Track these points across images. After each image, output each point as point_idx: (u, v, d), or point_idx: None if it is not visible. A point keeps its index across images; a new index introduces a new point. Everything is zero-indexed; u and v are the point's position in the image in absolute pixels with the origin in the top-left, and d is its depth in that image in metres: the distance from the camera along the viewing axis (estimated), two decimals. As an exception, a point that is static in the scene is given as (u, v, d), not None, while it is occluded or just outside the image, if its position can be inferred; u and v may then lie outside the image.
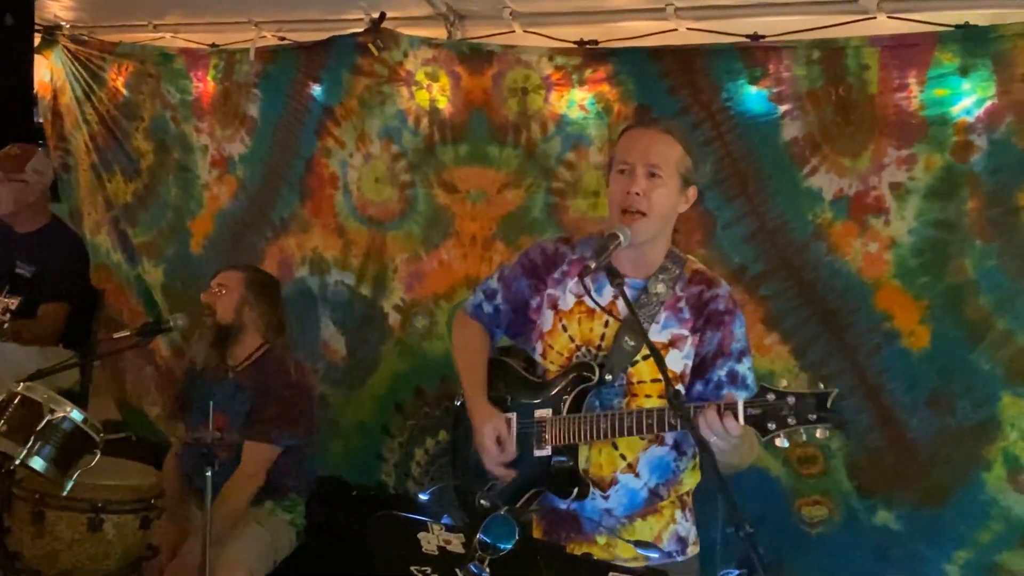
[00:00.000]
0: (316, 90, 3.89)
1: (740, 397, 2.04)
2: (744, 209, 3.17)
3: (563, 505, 2.25)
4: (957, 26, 2.86)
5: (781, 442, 1.95)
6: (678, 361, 2.22)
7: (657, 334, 2.21)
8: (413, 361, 3.80)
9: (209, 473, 2.78)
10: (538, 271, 2.37)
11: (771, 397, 1.93)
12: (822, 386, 1.92)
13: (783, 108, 3.08)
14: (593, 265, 2.09)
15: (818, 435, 1.92)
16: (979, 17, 2.86)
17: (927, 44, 2.89)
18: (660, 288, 2.22)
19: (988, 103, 2.84)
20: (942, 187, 2.92)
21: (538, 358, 2.34)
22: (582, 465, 2.24)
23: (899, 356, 2.95)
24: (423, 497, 3.50)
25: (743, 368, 2.24)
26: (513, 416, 2.32)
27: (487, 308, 2.47)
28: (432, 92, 3.66)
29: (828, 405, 1.89)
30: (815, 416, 1.90)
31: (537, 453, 2.26)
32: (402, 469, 3.88)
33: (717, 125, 3.19)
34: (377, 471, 3.92)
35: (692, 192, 2.26)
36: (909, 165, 2.96)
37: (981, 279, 2.86)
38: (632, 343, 2.18)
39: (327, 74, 3.86)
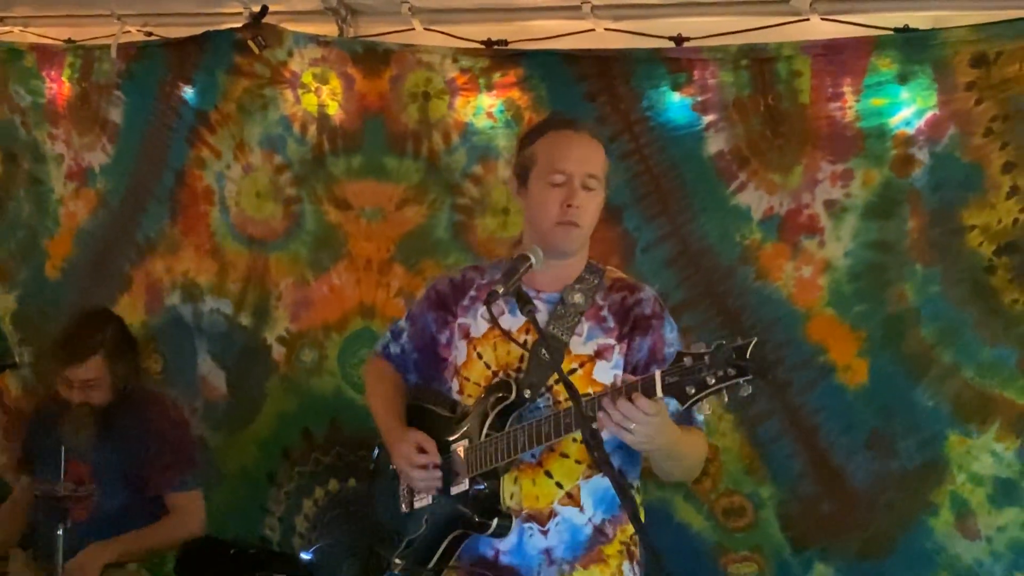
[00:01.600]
0: (188, 93, 3.75)
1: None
2: (666, 230, 3.11)
3: (490, 551, 2.23)
4: (896, 29, 2.82)
5: (704, 409, 1.94)
6: (607, 372, 2.22)
7: (581, 346, 2.22)
8: (300, 400, 3.68)
9: (60, 531, 2.73)
10: (445, 302, 2.39)
11: (688, 361, 1.90)
12: (739, 340, 1.87)
13: (708, 119, 3.04)
14: (501, 290, 2.09)
15: (741, 393, 1.85)
16: (920, 20, 2.81)
17: (863, 49, 2.84)
18: (577, 298, 2.24)
19: (929, 113, 2.80)
20: (881, 205, 2.88)
21: (456, 396, 2.34)
22: (510, 499, 2.22)
23: (835, 393, 2.90)
24: (305, 556, 3.31)
25: None
26: None
27: (394, 349, 2.50)
28: (321, 96, 3.55)
29: (747, 355, 1.83)
30: (734, 369, 1.84)
31: (454, 490, 2.26)
32: (288, 523, 3.74)
33: (636, 137, 3.13)
34: (260, 525, 3.77)
35: (601, 199, 2.29)
36: (845, 181, 2.91)
37: (923, 307, 2.83)
38: (549, 356, 2.18)
39: (200, 75, 3.72)
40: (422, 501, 2.36)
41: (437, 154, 3.42)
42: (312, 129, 3.58)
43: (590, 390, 2.15)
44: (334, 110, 3.55)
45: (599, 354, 2.22)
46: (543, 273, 2.23)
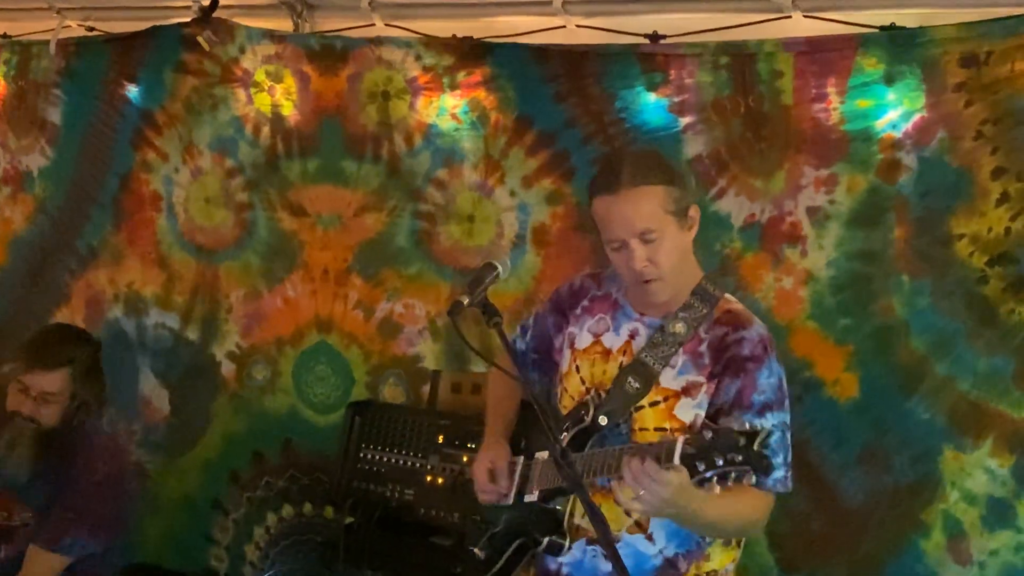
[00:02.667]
0: (132, 91, 3.72)
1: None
2: None
3: (554, 564, 2.27)
4: (882, 27, 2.80)
5: (715, 488, 1.92)
6: (688, 410, 2.19)
7: (671, 380, 2.20)
8: (251, 420, 3.63)
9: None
10: (563, 307, 2.42)
11: (707, 435, 1.91)
12: (752, 426, 1.91)
13: (685, 120, 3.02)
14: (466, 301, 2.08)
15: (745, 481, 1.89)
16: (907, 18, 2.80)
17: (848, 48, 2.82)
18: (679, 328, 2.21)
19: (917, 116, 2.78)
20: (866, 212, 2.85)
21: (557, 403, 2.36)
22: (581, 518, 2.23)
23: (824, 407, 2.87)
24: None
25: (766, 425, 2.09)
26: (519, 460, 2.37)
27: (520, 346, 2.51)
28: (275, 95, 3.54)
29: (755, 446, 1.86)
30: (740, 457, 1.86)
31: (528, 498, 2.30)
32: (236, 552, 3.66)
33: (610, 140, 3.10)
34: (205, 555, 3.70)
35: (694, 211, 2.24)
36: (829, 187, 2.89)
37: (912, 320, 2.80)
38: (637, 386, 2.19)
39: (146, 72, 3.68)
40: (506, 500, 2.35)
41: (398, 157, 3.38)
42: (265, 130, 3.55)
43: (667, 425, 2.17)
44: (289, 110, 3.51)
45: (686, 391, 2.19)
46: (646, 296, 2.23)
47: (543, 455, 2.29)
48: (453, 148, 3.30)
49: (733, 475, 1.87)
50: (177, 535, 3.72)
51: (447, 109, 3.30)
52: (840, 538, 2.88)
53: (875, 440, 2.84)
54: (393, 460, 3.09)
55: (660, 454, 1.94)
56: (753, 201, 2.96)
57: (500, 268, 2.13)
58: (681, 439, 1.93)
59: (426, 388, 3.33)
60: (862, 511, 2.85)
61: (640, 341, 2.23)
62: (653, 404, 2.19)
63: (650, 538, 2.21)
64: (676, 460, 1.91)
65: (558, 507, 2.24)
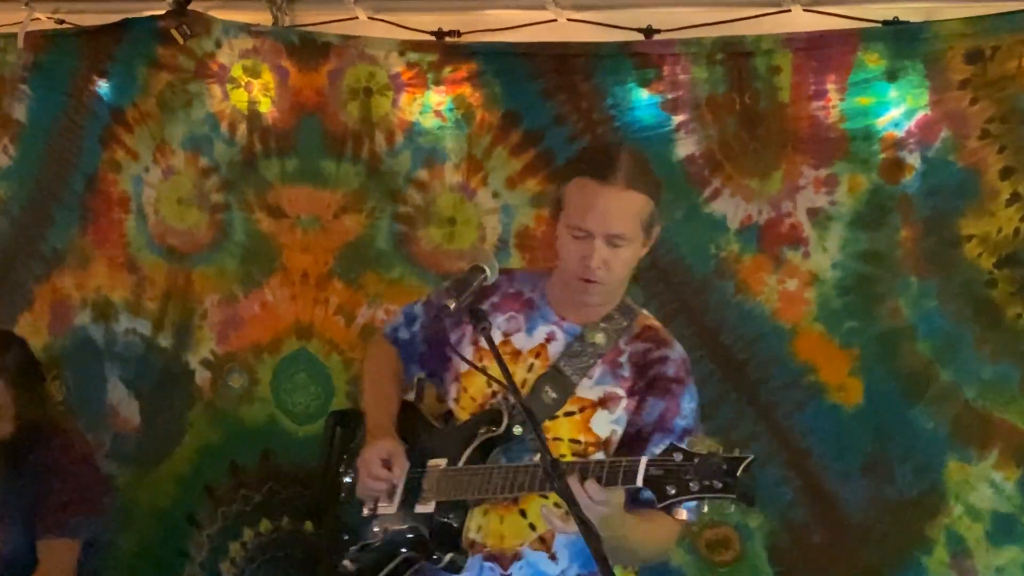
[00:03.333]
0: (103, 87, 3.63)
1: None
2: None
3: None
4: (885, 22, 2.80)
5: (683, 515, 1.91)
6: (605, 424, 2.17)
7: (588, 390, 2.18)
8: (227, 431, 3.57)
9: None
10: None
11: (677, 457, 1.84)
12: (738, 451, 1.82)
13: (678, 119, 3.01)
14: (452, 304, 2.06)
15: (721, 508, 1.88)
16: (911, 12, 2.80)
17: (849, 43, 2.81)
18: (599, 338, 2.19)
19: (920, 114, 2.78)
20: (869, 213, 2.86)
21: (451, 404, 2.31)
22: (476, 532, 2.18)
23: (827, 415, 2.88)
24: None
25: None
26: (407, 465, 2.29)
27: (403, 334, 2.46)
28: (252, 92, 3.47)
29: (738, 473, 1.77)
30: (721, 483, 1.78)
31: (419, 509, 2.20)
32: (212, 569, 3.60)
33: (599, 139, 3.07)
34: (180, 572, 3.63)
35: (656, 232, 2.21)
36: (829, 187, 2.89)
37: (919, 323, 2.81)
38: (554, 396, 2.16)
39: (117, 67, 3.60)
40: (385, 509, 2.27)
41: (379, 157, 3.33)
42: (242, 128, 3.49)
43: (581, 438, 2.14)
44: (266, 107, 3.45)
45: (603, 402, 2.17)
46: (572, 301, 2.19)
47: (438, 463, 2.21)
48: (435, 147, 3.26)
49: (706, 505, 1.84)
50: (151, 550, 3.66)
51: (431, 106, 3.26)
52: (841, 552, 2.88)
53: (878, 450, 2.83)
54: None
55: (624, 474, 1.88)
56: (749, 202, 2.94)
57: (488, 271, 2.11)
58: (644, 459, 1.88)
59: (411, 396, 3.28)
60: (864, 524, 2.85)
61: (557, 346, 2.19)
62: (568, 414, 2.15)
63: (553, 557, 2.17)
64: (639, 482, 1.85)
65: (454, 522, 2.15)
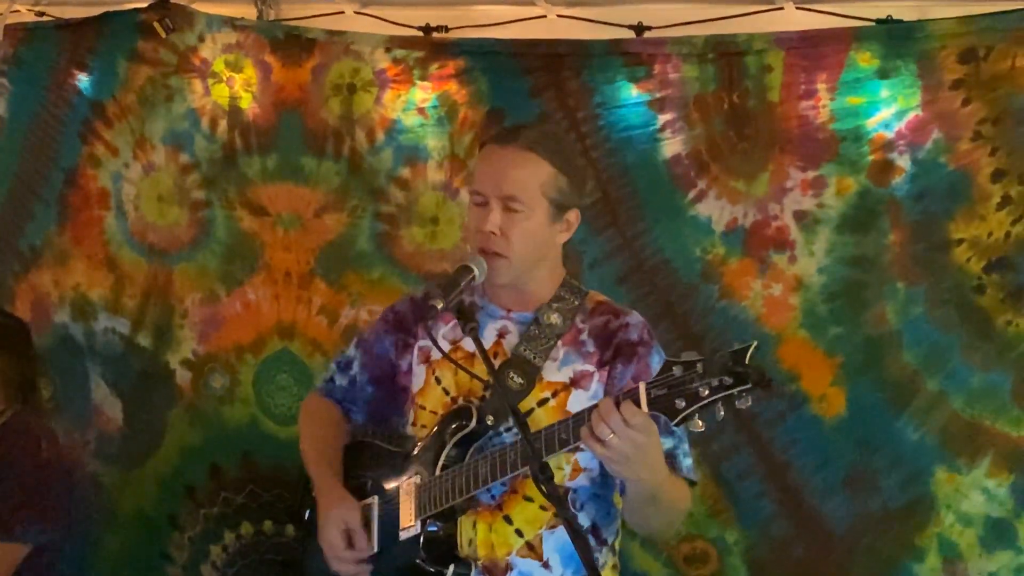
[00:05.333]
0: (83, 81, 3.66)
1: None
2: (616, 243, 3.07)
3: None
4: (878, 20, 2.80)
5: (700, 425, 1.81)
6: (583, 403, 2.11)
7: (556, 373, 2.15)
8: (208, 432, 3.59)
9: None
10: (405, 323, 2.31)
11: (677, 371, 1.80)
12: (736, 345, 1.78)
13: (664, 118, 3.03)
14: (440, 304, 2.02)
15: (739, 404, 1.76)
16: (905, 10, 2.80)
17: (842, 42, 2.82)
18: (554, 319, 2.17)
19: (911, 115, 2.79)
20: (858, 216, 2.86)
21: (409, 428, 2.26)
22: (468, 545, 2.14)
23: (809, 426, 2.88)
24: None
25: None
26: (374, 500, 2.23)
27: (340, 381, 2.41)
28: (233, 87, 3.50)
29: (746, 359, 1.73)
30: (731, 377, 1.73)
31: (404, 535, 2.15)
32: (192, 572, 3.63)
33: (583, 137, 3.09)
34: (162, 574, 3.66)
35: (573, 216, 2.17)
36: (817, 190, 2.89)
37: (905, 329, 2.81)
38: (520, 381, 2.12)
39: (98, 60, 3.64)
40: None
41: (360, 155, 3.35)
42: (222, 124, 3.51)
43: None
44: (247, 103, 3.48)
45: (575, 382, 2.15)
46: (511, 290, 2.17)
47: (412, 482, 2.17)
48: (417, 145, 3.27)
49: (722, 409, 1.75)
50: (133, 552, 3.69)
51: (415, 103, 3.27)
52: (825, 566, 2.89)
53: (862, 461, 2.83)
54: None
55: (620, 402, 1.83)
56: (735, 204, 2.95)
57: (476, 270, 2.08)
58: (643, 384, 1.82)
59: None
60: (848, 537, 2.85)
61: (512, 338, 2.16)
62: (543, 403, 2.13)
63: (546, 565, 2.14)
64: (644, 407, 1.81)
65: (444, 533, 2.13)
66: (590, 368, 2.15)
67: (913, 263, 2.78)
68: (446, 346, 2.18)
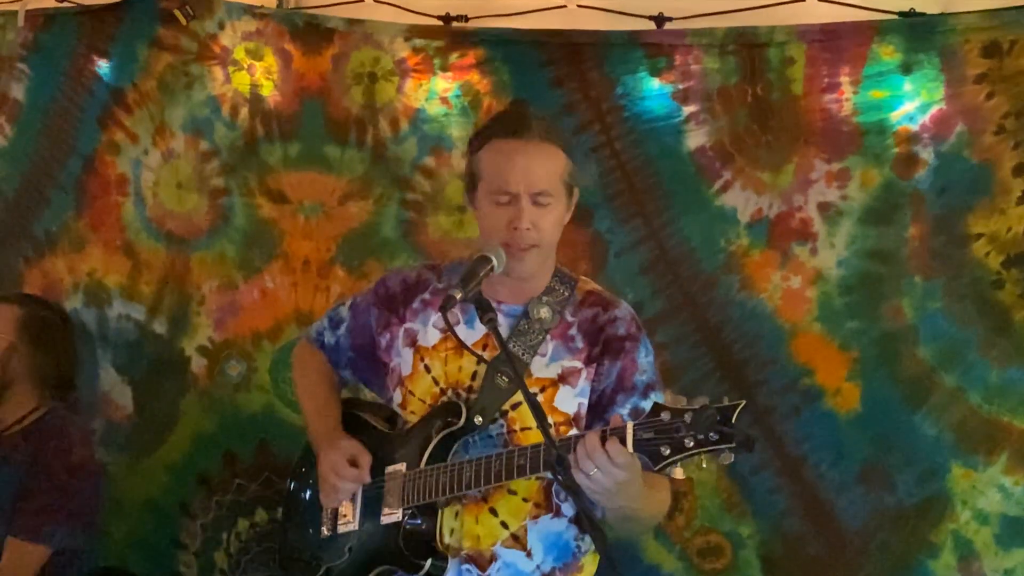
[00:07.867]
0: (103, 67, 3.69)
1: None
2: (641, 233, 3.11)
3: None
4: (901, 13, 2.83)
5: (680, 474, 1.92)
6: (570, 400, 2.18)
7: (544, 368, 2.19)
8: (222, 419, 3.62)
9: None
10: (393, 302, 2.35)
11: (665, 416, 1.87)
12: (726, 400, 1.84)
13: (688, 109, 3.06)
14: (459, 295, 2.04)
15: (722, 459, 1.83)
16: (928, 3, 2.83)
17: (864, 35, 2.86)
18: (544, 313, 2.21)
19: (935, 108, 2.83)
20: (881, 209, 2.90)
21: (398, 408, 2.30)
22: (450, 535, 2.19)
23: (823, 421, 2.90)
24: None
25: (649, 405, 2.11)
26: None
27: (329, 339, 2.47)
28: (254, 75, 3.52)
29: (733, 419, 1.80)
30: (717, 434, 1.80)
31: (385, 519, 2.21)
32: (206, 559, 3.66)
33: (607, 128, 3.13)
34: (173, 561, 3.70)
35: (575, 196, 2.24)
36: (841, 181, 2.93)
37: (921, 325, 2.84)
38: (508, 380, 2.16)
39: (118, 47, 3.66)
40: (346, 526, 2.31)
41: (383, 143, 3.39)
42: (243, 112, 3.54)
43: (550, 419, 2.12)
44: (268, 91, 3.51)
45: (563, 378, 2.19)
46: (504, 282, 2.20)
47: (397, 469, 2.21)
48: (442, 135, 3.30)
49: (704, 462, 1.83)
50: (143, 539, 3.71)
51: (437, 92, 3.31)
52: (839, 562, 2.90)
53: (877, 457, 2.86)
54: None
55: (605, 439, 1.90)
56: (760, 195, 2.99)
57: (495, 260, 2.11)
58: (630, 424, 1.89)
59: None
60: (863, 533, 2.87)
61: (503, 331, 2.16)
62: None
63: (529, 554, 2.20)
64: (629, 447, 1.87)
65: (425, 526, 2.18)
66: (578, 364, 2.20)
67: (931, 257, 2.81)
68: (436, 335, 2.24)
